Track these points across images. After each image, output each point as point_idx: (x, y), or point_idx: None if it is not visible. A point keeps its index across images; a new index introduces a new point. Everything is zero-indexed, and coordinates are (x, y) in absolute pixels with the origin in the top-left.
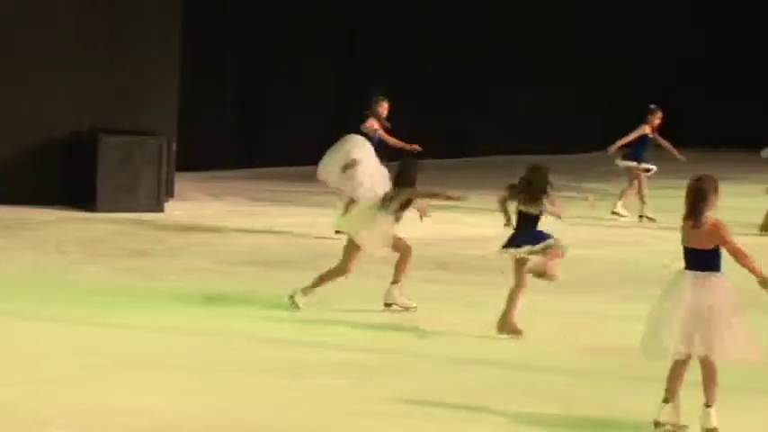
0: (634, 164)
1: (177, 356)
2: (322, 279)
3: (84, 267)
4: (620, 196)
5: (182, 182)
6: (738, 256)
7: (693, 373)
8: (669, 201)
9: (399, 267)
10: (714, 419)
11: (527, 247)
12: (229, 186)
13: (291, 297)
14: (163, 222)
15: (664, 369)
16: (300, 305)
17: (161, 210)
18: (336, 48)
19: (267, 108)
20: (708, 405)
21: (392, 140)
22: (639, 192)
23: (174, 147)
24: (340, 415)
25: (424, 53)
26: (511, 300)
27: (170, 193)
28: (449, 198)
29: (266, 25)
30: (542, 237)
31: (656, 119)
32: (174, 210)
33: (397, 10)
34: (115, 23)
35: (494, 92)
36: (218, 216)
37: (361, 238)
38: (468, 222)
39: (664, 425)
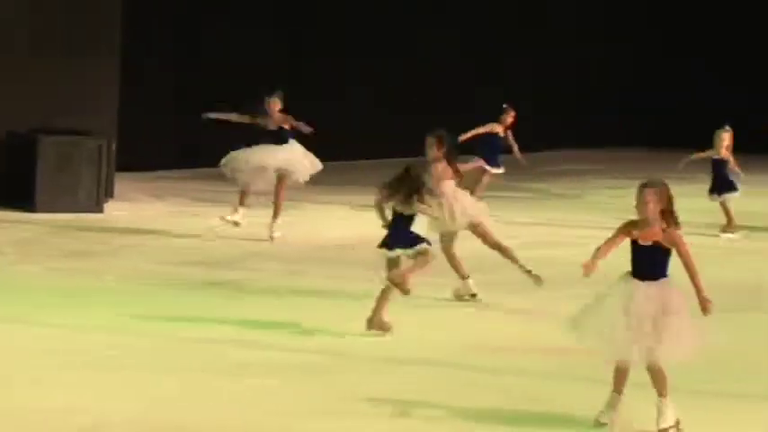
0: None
1: (115, 357)
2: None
3: (22, 268)
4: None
5: (122, 182)
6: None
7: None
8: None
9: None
10: (670, 412)
11: (398, 250)
12: (171, 187)
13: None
14: (102, 223)
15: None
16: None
17: (101, 210)
18: (274, 49)
19: (208, 108)
20: (662, 395)
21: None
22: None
23: (113, 147)
24: (276, 415)
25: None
26: (381, 297)
27: (110, 194)
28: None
29: (206, 27)
30: (415, 240)
31: (509, 117)
32: (114, 210)
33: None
34: (56, 25)
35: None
36: (159, 216)
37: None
38: None
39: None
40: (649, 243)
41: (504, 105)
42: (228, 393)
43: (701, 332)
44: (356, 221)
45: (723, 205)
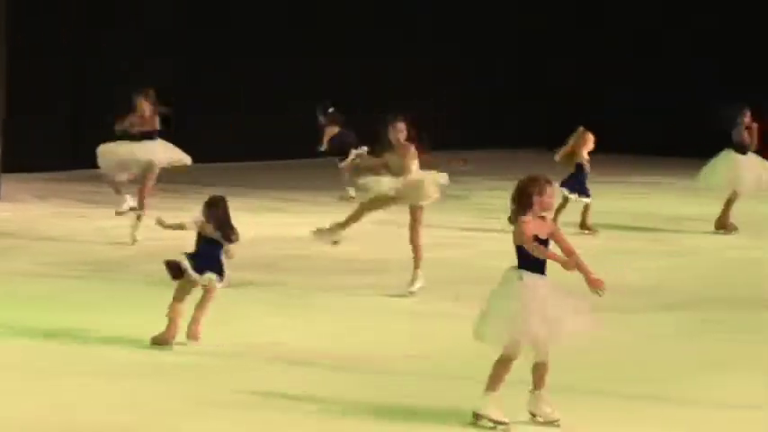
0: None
1: None
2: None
3: None
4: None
5: (8, 183)
6: (537, 249)
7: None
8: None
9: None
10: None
11: (195, 274)
12: (58, 188)
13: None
14: None
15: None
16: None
17: None
18: (172, 48)
19: (95, 109)
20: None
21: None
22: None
23: None
24: (163, 414)
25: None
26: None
27: None
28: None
29: (93, 28)
30: (211, 267)
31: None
32: (0, 212)
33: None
34: None
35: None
36: (45, 218)
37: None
38: (293, 222)
39: (484, 416)
40: (545, 236)
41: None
42: (113, 394)
43: (590, 322)
44: (246, 222)
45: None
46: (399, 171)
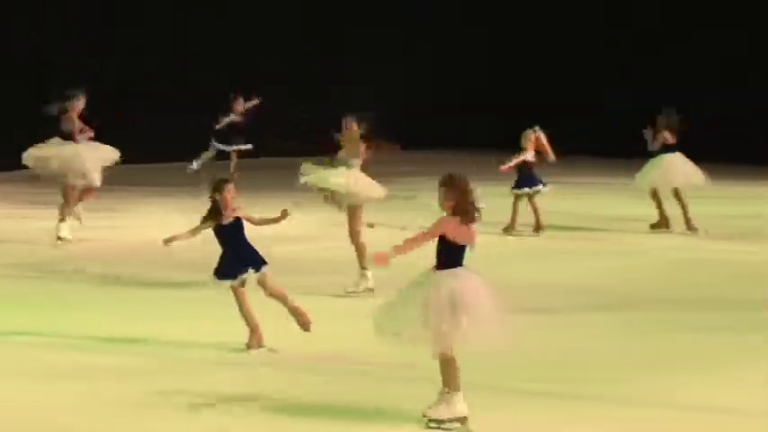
0: (228, 147)
1: None
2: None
3: None
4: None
5: None
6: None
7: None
8: None
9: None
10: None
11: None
12: (1, 190)
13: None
14: None
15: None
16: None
17: None
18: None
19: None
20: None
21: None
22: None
23: None
24: (98, 415)
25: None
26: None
27: None
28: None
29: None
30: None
31: (239, 105)
32: None
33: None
34: None
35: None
36: None
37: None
38: None
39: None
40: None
41: (232, 95)
42: (47, 398)
43: (503, 325)
44: (182, 223)
45: (531, 202)
46: (348, 157)
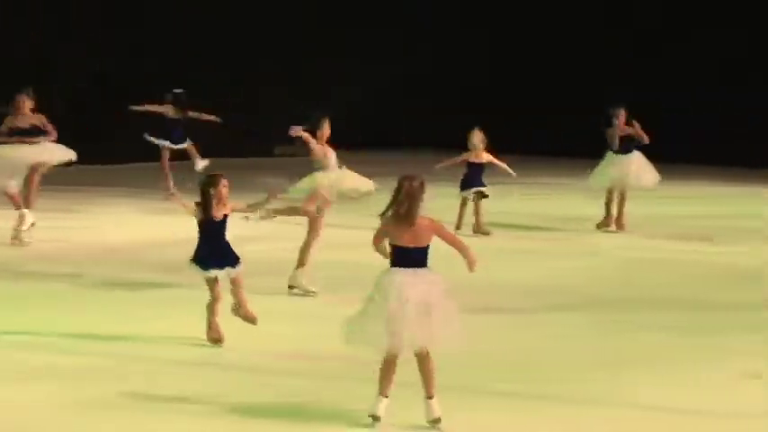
0: (162, 142)
1: None
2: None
3: None
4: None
5: None
6: (456, 242)
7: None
8: None
9: (305, 251)
10: (437, 409)
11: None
12: None
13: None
14: None
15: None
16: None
17: None
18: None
19: None
20: (429, 397)
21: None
22: (163, 169)
23: None
24: (55, 414)
25: None
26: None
27: None
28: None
29: None
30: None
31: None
32: None
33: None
34: None
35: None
36: None
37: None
38: (194, 225)
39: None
40: None
41: (177, 91)
42: (17, 397)
43: (461, 326)
44: (142, 224)
45: (475, 204)
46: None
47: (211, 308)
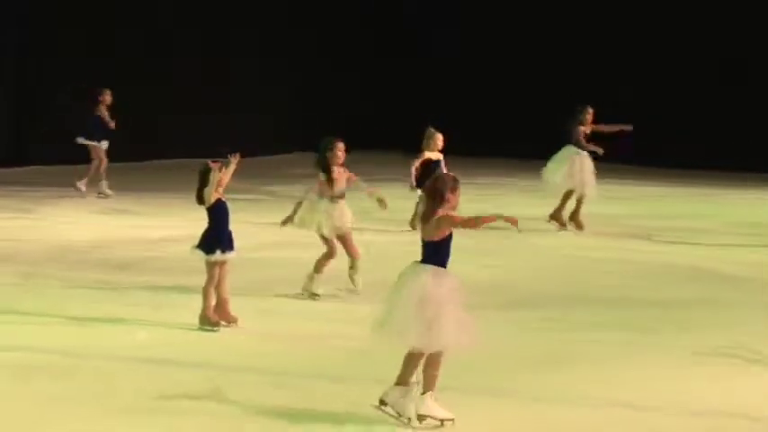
0: (92, 142)
1: None
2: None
3: None
4: (95, 177)
5: None
6: (470, 222)
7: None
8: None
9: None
10: (428, 406)
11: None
12: None
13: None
14: None
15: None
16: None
17: None
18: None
19: None
20: (423, 392)
21: None
22: (99, 168)
23: None
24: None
25: None
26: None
27: None
28: None
29: None
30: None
31: (107, 96)
32: None
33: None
34: None
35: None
36: None
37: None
38: (144, 225)
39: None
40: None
41: (102, 90)
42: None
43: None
44: (95, 223)
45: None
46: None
47: (207, 291)
